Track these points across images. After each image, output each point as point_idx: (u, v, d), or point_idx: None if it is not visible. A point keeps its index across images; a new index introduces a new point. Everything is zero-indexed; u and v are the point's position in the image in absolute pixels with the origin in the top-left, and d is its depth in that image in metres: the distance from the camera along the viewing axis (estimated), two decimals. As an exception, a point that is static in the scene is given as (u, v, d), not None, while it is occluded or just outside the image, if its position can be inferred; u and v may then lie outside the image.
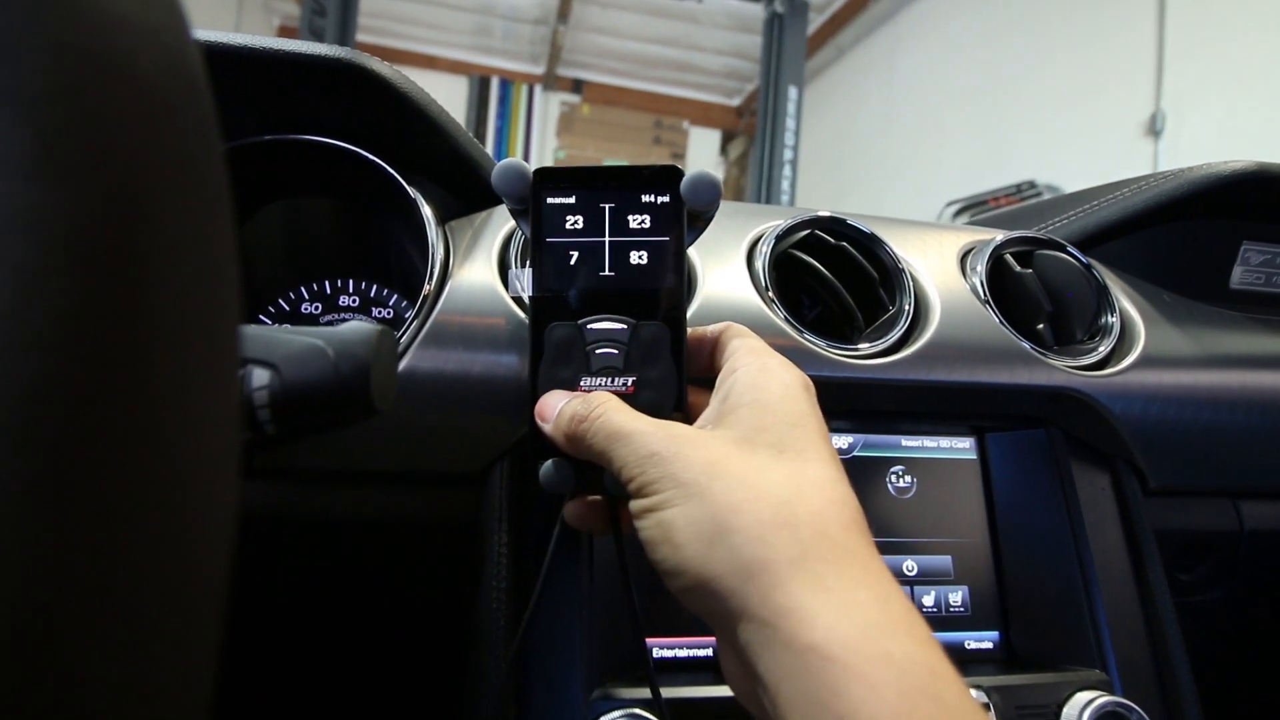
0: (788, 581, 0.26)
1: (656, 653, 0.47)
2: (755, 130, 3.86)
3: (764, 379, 0.33)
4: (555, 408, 0.36)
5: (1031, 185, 2.97)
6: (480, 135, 4.74)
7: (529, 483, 0.46)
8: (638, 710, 0.42)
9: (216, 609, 0.16)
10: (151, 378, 0.14)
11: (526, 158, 4.83)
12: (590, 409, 0.34)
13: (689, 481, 0.29)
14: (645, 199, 0.39)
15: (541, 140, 4.91)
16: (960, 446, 0.54)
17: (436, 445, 0.46)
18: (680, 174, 0.39)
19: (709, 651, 0.48)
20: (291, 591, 0.52)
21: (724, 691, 0.44)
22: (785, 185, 3.67)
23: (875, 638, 0.24)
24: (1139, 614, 0.48)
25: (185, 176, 0.16)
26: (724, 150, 5.27)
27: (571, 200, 0.40)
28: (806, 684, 0.24)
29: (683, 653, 0.47)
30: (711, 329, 0.38)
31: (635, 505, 0.31)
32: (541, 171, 0.40)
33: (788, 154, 3.67)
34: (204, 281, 0.16)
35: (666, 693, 0.42)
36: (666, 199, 0.39)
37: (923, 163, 3.71)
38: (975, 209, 3.25)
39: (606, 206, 0.39)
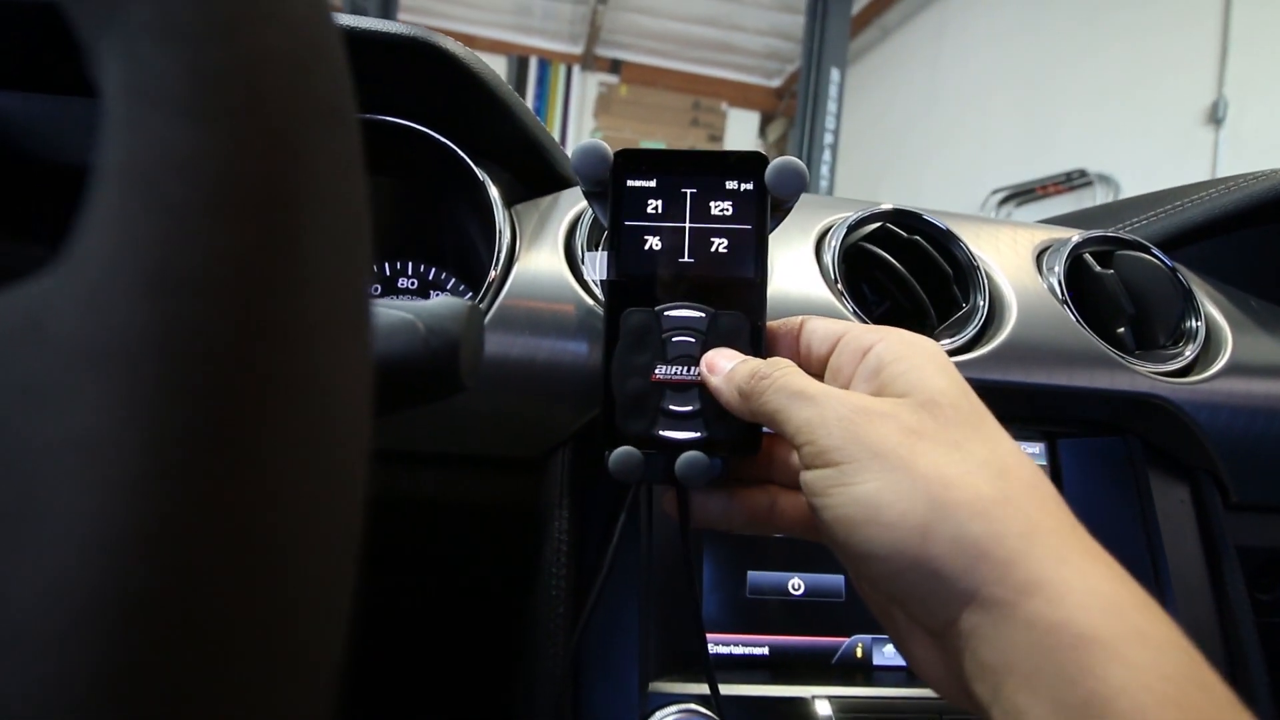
0: (1025, 559, 0.24)
1: (713, 649, 0.47)
2: (795, 112, 3.79)
3: (911, 350, 0.30)
4: (727, 364, 0.35)
5: (1082, 174, 2.88)
6: (518, 114, 4.73)
7: (590, 470, 0.46)
8: (694, 705, 0.42)
9: (353, 568, 0.15)
10: (304, 327, 0.14)
11: (564, 139, 4.82)
12: (774, 368, 0.32)
13: (888, 452, 0.26)
14: (729, 185, 0.38)
15: (579, 121, 4.88)
16: (1030, 452, 0.52)
17: (499, 429, 0.45)
18: (765, 161, 0.38)
19: (765, 650, 0.47)
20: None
21: (779, 691, 0.44)
22: (825, 170, 3.60)
23: (1125, 614, 0.22)
24: (1217, 632, 0.46)
25: (333, 122, 0.15)
26: (763, 132, 5.20)
27: (652, 184, 0.39)
28: (1052, 662, 0.22)
29: (739, 650, 0.47)
30: (791, 321, 0.37)
31: (818, 478, 0.28)
32: (623, 154, 0.39)
33: (828, 138, 3.60)
34: (349, 232, 0.16)
35: (724, 690, 0.41)
36: (750, 186, 0.38)
37: (967, 148, 3.62)
38: (1022, 197, 3.18)
39: (688, 192, 0.38)
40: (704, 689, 0.42)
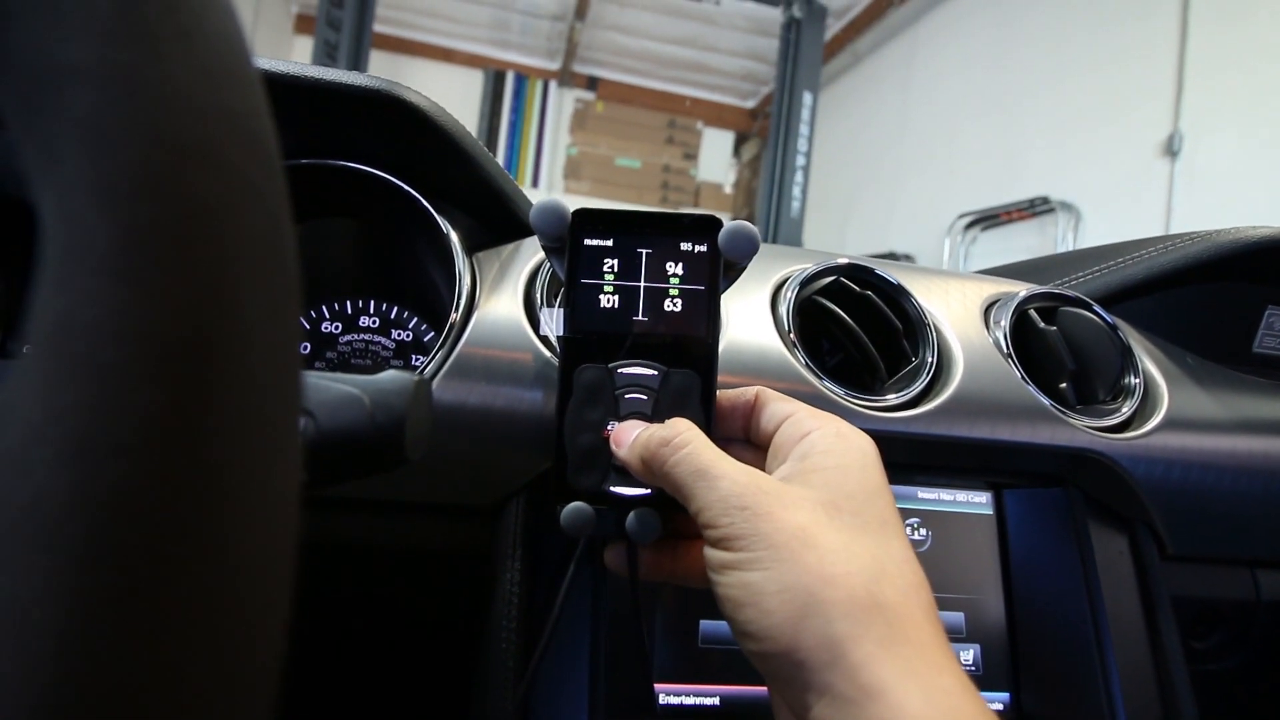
0: (876, 663, 0.26)
1: (663, 699, 0.47)
2: (768, 134, 3.85)
3: (842, 445, 0.32)
4: (630, 435, 0.36)
5: (1045, 201, 2.96)
6: (494, 130, 4.72)
7: (543, 520, 0.46)
8: (645, 756, 0.42)
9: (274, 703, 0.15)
10: (229, 479, 0.14)
11: (539, 153, 4.82)
12: (677, 434, 0.33)
13: (781, 545, 0.29)
14: (683, 247, 0.39)
15: (555, 137, 4.89)
16: (977, 501, 0.53)
17: (453, 477, 0.45)
18: (719, 225, 0.39)
19: (716, 700, 0.48)
20: (299, 615, 0.52)
21: (731, 740, 0.44)
22: (797, 191, 3.66)
23: None
24: (1153, 680, 0.47)
25: (267, 260, 0.16)
26: (737, 152, 5.25)
27: (609, 244, 0.39)
28: None
29: (689, 700, 0.47)
30: (746, 392, 0.38)
31: (716, 558, 0.30)
32: (580, 213, 0.39)
33: (800, 160, 3.66)
34: (278, 367, 0.16)
35: (674, 741, 0.42)
36: (704, 249, 0.39)
37: (936, 173, 3.70)
38: (987, 221, 3.25)
39: (643, 252, 0.39)
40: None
